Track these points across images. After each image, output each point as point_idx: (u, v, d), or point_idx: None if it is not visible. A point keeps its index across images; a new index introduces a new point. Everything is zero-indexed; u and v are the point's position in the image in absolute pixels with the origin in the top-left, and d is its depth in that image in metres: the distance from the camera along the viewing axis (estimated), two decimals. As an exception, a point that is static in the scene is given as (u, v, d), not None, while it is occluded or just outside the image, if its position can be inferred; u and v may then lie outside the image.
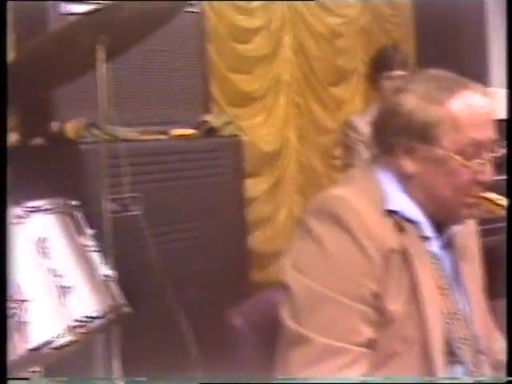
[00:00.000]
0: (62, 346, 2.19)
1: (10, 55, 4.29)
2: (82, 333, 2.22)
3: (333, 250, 1.77)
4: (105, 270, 2.38)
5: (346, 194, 1.83)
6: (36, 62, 2.60)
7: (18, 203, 2.21)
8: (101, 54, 2.69)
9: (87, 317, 2.22)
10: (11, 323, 2.08)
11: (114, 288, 2.39)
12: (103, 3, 2.75)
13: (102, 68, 2.74)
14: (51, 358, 2.23)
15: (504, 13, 3.22)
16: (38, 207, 2.23)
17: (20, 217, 2.19)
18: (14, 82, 2.73)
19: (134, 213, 3.37)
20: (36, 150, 3.94)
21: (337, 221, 1.77)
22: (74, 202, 2.39)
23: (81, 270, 2.29)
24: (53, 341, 2.17)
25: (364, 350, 1.73)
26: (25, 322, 2.11)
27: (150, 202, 3.63)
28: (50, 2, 3.86)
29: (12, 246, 2.16)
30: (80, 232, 2.36)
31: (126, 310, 2.40)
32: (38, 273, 2.18)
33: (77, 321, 2.20)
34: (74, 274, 2.24)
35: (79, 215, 2.39)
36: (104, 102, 2.80)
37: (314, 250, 1.79)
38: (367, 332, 1.74)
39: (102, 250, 2.46)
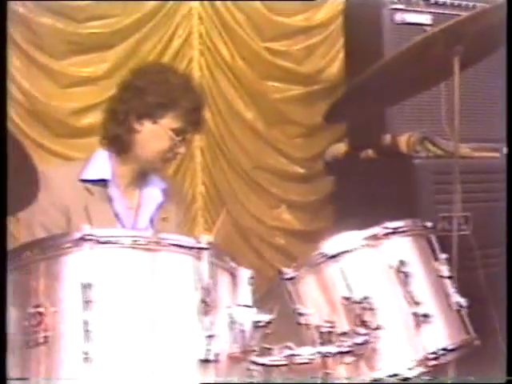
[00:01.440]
0: (409, 379, 2.03)
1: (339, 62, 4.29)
2: (434, 366, 2.04)
3: None
4: (457, 298, 2.18)
5: None
6: (389, 75, 2.48)
7: (377, 222, 2.08)
8: (456, 65, 2.53)
9: (442, 349, 2.04)
10: (363, 350, 1.95)
11: (466, 318, 2.19)
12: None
13: (456, 80, 2.57)
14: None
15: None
16: (397, 228, 2.09)
17: (377, 237, 2.05)
18: (358, 93, 2.65)
19: (464, 233, 3.16)
20: (365, 162, 3.86)
21: None
22: (428, 224, 2.22)
23: (436, 297, 2.12)
24: (402, 373, 2.01)
25: None
26: (375, 349, 1.98)
27: (478, 221, 3.45)
28: (384, 12, 3.79)
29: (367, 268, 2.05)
30: (435, 256, 2.18)
31: (478, 343, 2.19)
32: (394, 298, 2.03)
33: (431, 353, 2.02)
34: (430, 302, 2.07)
35: (434, 238, 2.21)
36: (454, 115, 2.62)
37: None
38: None
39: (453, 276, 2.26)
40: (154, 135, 2.57)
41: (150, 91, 2.55)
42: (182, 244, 1.77)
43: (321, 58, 4.43)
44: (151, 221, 2.67)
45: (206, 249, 1.75)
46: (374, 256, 2.07)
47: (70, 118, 4.02)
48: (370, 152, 3.81)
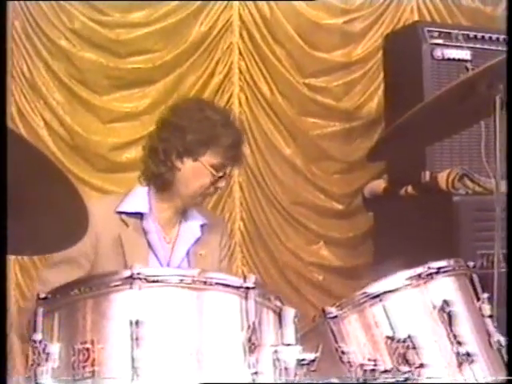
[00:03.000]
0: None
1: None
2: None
3: None
4: (498, 337, 2.17)
5: None
6: (431, 114, 2.49)
7: (418, 260, 2.09)
8: (497, 103, 2.53)
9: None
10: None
11: (506, 356, 2.17)
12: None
13: (497, 118, 2.57)
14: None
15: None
16: (440, 268, 2.09)
17: (420, 277, 2.06)
18: (401, 133, 2.66)
19: (502, 270, 3.14)
20: (405, 199, 3.86)
21: None
22: (471, 264, 2.21)
23: (478, 336, 2.11)
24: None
25: None
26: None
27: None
28: (424, 48, 3.81)
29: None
30: (477, 295, 2.18)
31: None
32: (436, 338, 2.03)
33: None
34: (472, 341, 2.07)
35: (476, 277, 2.21)
36: (496, 152, 2.62)
37: None
38: None
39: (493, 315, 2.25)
40: (195, 172, 2.59)
41: (190, 129, 2.57)
42: (229, 283, 1.79)
43: (360, 94, 4.46)
44: (187, 255, 2.69)
45: (252, 288, 1.77)
46: (417, 296, 2.07)
47: (110, 153, 4.07)
48: (409, 189, 3.81)
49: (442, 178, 3.64)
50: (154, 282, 1.73)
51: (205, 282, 1.77)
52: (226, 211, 4.27)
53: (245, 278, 1.79)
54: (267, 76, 4.32)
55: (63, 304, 1.78)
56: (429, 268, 2.08)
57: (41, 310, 1.78)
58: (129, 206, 2.61)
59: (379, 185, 4.08)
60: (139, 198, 2.64)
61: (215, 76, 4.26)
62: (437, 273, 2.09)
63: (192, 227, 2.72)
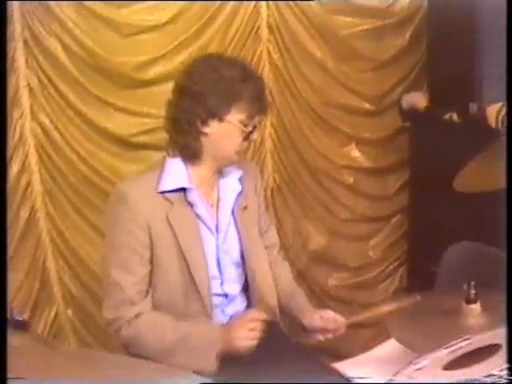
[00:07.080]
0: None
1: None
2: None
3: None
4: None
5: None
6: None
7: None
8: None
9: None
10: None
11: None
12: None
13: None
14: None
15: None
16: None
17: None
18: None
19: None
20: (446, 123, 3.76)
21: None
22: None
23: None
24: None
25: None
26: None
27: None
28: None
29: None
30: None
31: None
32: None
33: None
34: None
35: None
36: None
37: None
38: None
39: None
40: (223, 132, 2.51)
41: (209, 93, 2.47)
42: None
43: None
44: (232, 212, 2.68)
45: None
46: None
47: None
48: (454, 116, 3.70)
49: (490, 112, 3.52)
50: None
51: None
52: (256, 117, 4.13)
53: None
54: (295, -24, 4.01)
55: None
56: None
57: None
58: (170, 183, 2.54)
59: (420, 101, 3.96)
60: (177, 172, 2.56)
61: (240, -19, 3.93)
62: None
63: (231, 183, 2.69)
